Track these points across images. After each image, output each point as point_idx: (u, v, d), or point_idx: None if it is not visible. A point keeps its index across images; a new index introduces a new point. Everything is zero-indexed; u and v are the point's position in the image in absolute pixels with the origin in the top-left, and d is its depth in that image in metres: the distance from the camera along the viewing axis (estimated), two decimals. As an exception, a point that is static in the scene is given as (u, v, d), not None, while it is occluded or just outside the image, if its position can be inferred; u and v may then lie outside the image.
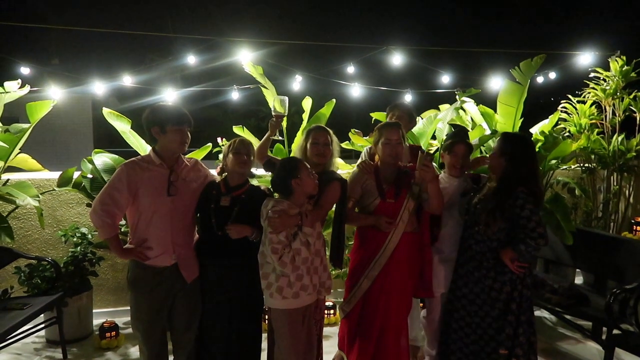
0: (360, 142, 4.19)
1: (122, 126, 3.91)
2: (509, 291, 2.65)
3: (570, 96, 5.25)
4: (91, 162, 3.70)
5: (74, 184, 3.77)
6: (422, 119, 4.54)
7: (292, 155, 3.06)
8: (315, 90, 5.13)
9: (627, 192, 5.39)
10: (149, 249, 2.52)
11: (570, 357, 3.56)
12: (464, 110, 4.70)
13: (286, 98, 2.95)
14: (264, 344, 2.81)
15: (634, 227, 4.96)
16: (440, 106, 4.99)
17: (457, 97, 4.84)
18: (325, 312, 3.79)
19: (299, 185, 2.43)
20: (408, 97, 5.71)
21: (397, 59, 5.25)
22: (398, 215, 2.77)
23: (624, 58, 5.05)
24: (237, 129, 4.21)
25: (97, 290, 4.12)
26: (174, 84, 5.47)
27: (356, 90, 5.50)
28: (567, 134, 5.14)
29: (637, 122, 5.18)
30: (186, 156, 2.76)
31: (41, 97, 4.14)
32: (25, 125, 3.81)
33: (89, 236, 3.82)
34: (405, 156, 3.01)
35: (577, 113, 5.15)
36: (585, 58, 5.28)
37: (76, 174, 3.83)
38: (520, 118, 4.26)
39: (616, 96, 5.07)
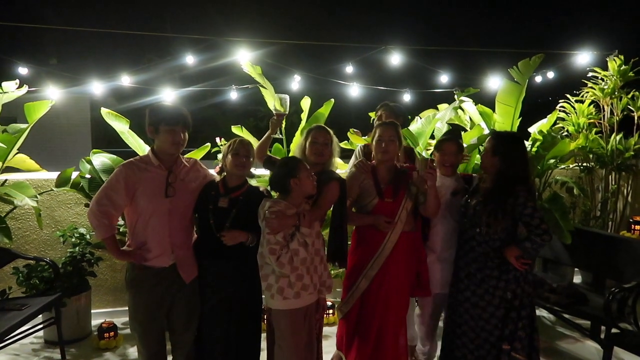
0: (359, 142, 4.19)
1: (121, 126, 3.91)
2: (513, 289, 2.67)
3: (568, 95, 5.25)
4: (89, 162, 3.69)
5: (72, 184, 3.77)
6: (420, 118, 4.55)
7: (291, 155, 3.06)
8: (314, 90, 5.14)
9: (625, 191, 5.40)
10: (148, 251, 2.51)
11: (569, 356, 3.57)
12: (463, 110, 4.70)
13: (287, 96, 2.94)
14: (263, 344, 2.81)
15: (632, 226, 4.97)
16: (439, 106, 4.99)
17: (455, 96, 4.84)
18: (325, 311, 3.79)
19: (298, 185, 2.43)
20: (407, 97, 5.72)
21: (395, 59, 5.25)
22: (396, 215, 2.78)
23: (622, 57, 5.06)
24: (235, 129, 4.20)
25: (96, 290, 4.11)
26: (173, 84, 5.47)
27: (355, 90, 5.50)
28: (566, 133, 5.14)
29: (635, 121, 5.18)
30: (185, 156, 2.75)
31: (39, 97, 4.13)
32: (23, 126, 3.80)
33: (88, 236, 3.81)
34: (401, 157, 3.03)
35: (576, 112, 5.15)
36: (583, 57, 5.29)
37: (74, 174, 3.82)
38: (519, 117, 4.27)
39: (614, 95, 5.08)
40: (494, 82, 5.07)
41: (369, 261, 2.79)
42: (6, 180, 3.84)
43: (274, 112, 2.91)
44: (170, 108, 2.58)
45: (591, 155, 5.21)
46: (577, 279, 5.17)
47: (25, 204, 3.48)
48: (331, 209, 2.79)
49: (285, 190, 2.47)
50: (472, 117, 4.66)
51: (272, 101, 3.25)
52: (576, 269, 5.04)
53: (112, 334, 3.64)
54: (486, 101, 4.62)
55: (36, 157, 4.24)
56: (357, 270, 2.83)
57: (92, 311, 3.94)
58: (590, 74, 5.22)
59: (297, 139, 3.93)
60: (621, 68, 5.00)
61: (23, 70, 4.94)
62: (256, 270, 2.51)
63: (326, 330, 3.66)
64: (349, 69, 5.44)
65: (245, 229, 2.57)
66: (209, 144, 4.13)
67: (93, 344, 3.66)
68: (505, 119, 4.28)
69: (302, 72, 5.40)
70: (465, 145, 4.10)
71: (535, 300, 3.46)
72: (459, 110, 4.66)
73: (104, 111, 3.92)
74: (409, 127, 4.07)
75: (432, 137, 4.29)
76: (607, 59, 5.17)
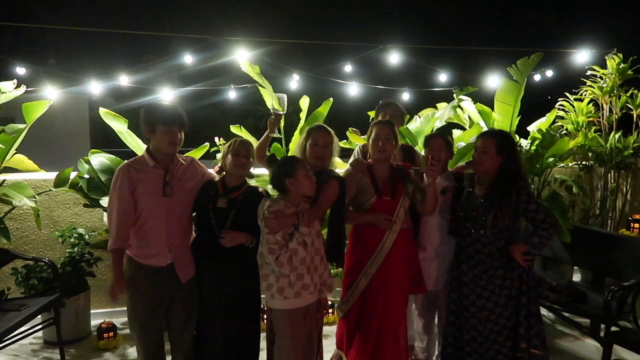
0: (358, 141, 4.18)
1: (119, 126, 3.89)
2: (518, 286, 2.68)
3: (567, 94, 5.25)
4: (88, 162, 3.68)
5: (70, 185, 3.76)
6: (419, 117, 4.54)
7: (290, 154, 3.06)
8: (313, 89, 5.13)
9: (624, 189, 5.40)
10: (145, 249, 2.53)
11: (569, 355, 3.57)
12: (462, 109, 4.70)
13: (285, 96, 2.94)
14: (263, 344, 2.80)
15: (632, 224, 4.96)
16: (438, 104, 4.99)
17: (454, 95, 4.83)
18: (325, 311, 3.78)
19: (294, 185, 2.42)
20: (405, 96, 5.72)
21: (394, 58, 5.24)
22: (394, 213, 2.78)
23: (621, 56, 5.05)
24: (234, 129, 4.19)
25: (95, 290, 4.10)
26: (171, 83, 5.46)
27: (354, 89, 5.50)
28: (565, 131, 5.14)
29: (634, 119, 5.18)
30: (183, 156, 2.75)
31: (37, 97, 4.13)
32: (21, 126, 3.79)
33: (86, 237, 3.80)
34: (397, 156, 3.02)
35: (575, 111, 5.15)
36: (582, 56, 5.29)
37: (73, 175, 3.82)
38: (518, 116, 4.26)
39: (613, 94, 5.07)
40: (493, 80, 5.07)
41: (368, 259, 2.80)
42: (4, 180, 3.83)
43: (272, 111, 2.91)
44: (166, 107, 2.57)
45: (590, 154, 5.20)
46: (576, 277, 5.18)
47: (24, 204, 3.48)
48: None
49: (282, 190, 2.47)
50: (471, 116, 4.66)
51: (271, 100, 3.24)
52: (575, 268, 5.05)
53: (111, 334, 3.63)
54: (485, 100, 4.61)
55: (35, 158, 4.23)
56: (357, 269, 2.83)
57: (91, 311, 3.94)
58: (589, 73, 5.22)
59: (296, 138, 3.92)
60: (620, 66, 4.99)
61: (21, 70, 4.92)
62: (256, 270, 2.50)
63: (326, 329, 3.65)
64: (348, 68, 5.43)
65: (244, 230, 2.56)
66: (207, 144, 4.12)
67: (92, 344, 3.65)
68: (504, 117, 4.28)
69: (301, 71, 5.39)
70: (464, 143, 4.10)
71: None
72: (458, 109, 4.65)
73: (102, 111, 3.91)
74: (408, 126, 4.06)
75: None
76: (606, 57, 5.16)
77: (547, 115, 4.64)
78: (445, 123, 4.50)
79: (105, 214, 3.60)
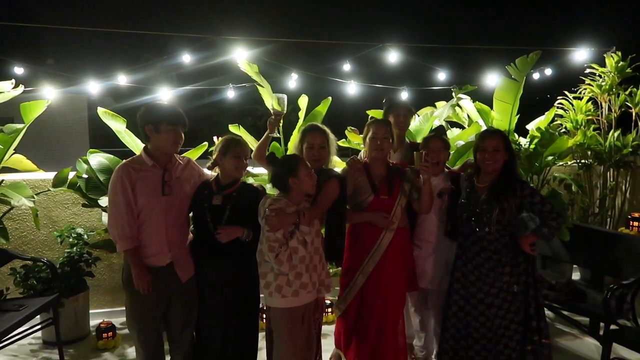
0: (357, 140, 4.18)
1: (118, 126, 3.89)
2: (525, 280, 2.72)
3: (566, 92, 5.25)
4: (86, 162, 3.68)
5: (69, 184, 3.75)
6: (418, 116, 4.54)
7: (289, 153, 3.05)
8: (312, 88, 5.13)
9: (623, 187, 5.40)
10: (144, 249, 2.52)
11: (568, 353, 3.57)
12: (460, 107, 4.70)
13: (285, 96, 2.93)
14: (262, 343, 2.80)
15: (631, 222, 4.96)
16: (437, 103, 4.99)
17: (453, 94, 4.84)
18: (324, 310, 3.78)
19: (296, 184, 2.43)
20: (404, 94, 5.71)
21: (393, 56, 5.24)
22: (391, 212, 2.79)
23: (620, 54, 5.06)
24: (233, 128, 4.19)
25: (94, 290, 4.10)
26: (170, 82, 5.45)
27: (352, 88, 5.49)
28: (564, 130, 5.15)
29: (633, 117, 5.18)
30: (181, 155, 2.75)
31: (36, 97, 4.11)
32: (20, 126, 3.78)
33: (85, 236, 3.80)
34: (404, 153, 3.02)
35: (574, 109, 5.15)
36: (580, 54, 5.29)
37: (71, 174, 3.81)
38: (517, 115, 4.26)
39: (612, 92, 5.07)
40: (492, 79, 5.07)
41: (365, 258, 2.80)
42: (2, 180, 3.82)
43: (272, 111, 2.90)
44: (170, 107, 2.60)
45: (589, 152, 5.20)
46: (575, 275, 5.18)
47: (22, 204, 3.47)
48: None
49: (284, 189, 2.47)
50: (470, 115, 4.66)
51: (270, 100, 3.24)
52: (575, 266, 5.04)
53: (110, 334, 3.63)
54: (484, 98, 4.62)
55: (33, 157, 4.23)
56: (354, 267, 2.84)
57: (91, 311, 3.93)
58: (588, 71, 5.22)
59: (295, 137, 3.92)
60: (619, 64, 4.99)
61: (19, 70, 4.92)
62: (255, 268, 2.50)
63: (325, 328, 3.65)
64: (347, 66, 5.43)
65: (240, 225, 2.57)
66: (206, 143, 4.11)
67: (91, 344, 3.65)
68: (503, 116, 4.28)
69: (300, 70, 5.39)
70: (462, 142, 4.10)
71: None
72: (457, 108, 4.65)
73: (100, 110, 3.91)
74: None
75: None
76: (605, 56, 5.16)
77: (546, 113, 4.64)
78: (442, 123, 4.50)
79: (104, 214, 3.60)
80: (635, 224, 4.91)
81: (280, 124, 3.66)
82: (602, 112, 5.23)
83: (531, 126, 4.62)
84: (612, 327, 3.06)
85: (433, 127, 4.43)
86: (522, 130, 4.67)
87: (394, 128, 3.24)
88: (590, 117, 5.17)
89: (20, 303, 3.19)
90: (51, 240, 4.07)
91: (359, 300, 2.83)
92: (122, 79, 5.06)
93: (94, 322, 3.88)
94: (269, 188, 2.73)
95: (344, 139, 4.30)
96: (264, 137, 2.90)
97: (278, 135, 3.11)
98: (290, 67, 5.39)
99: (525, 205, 2.70)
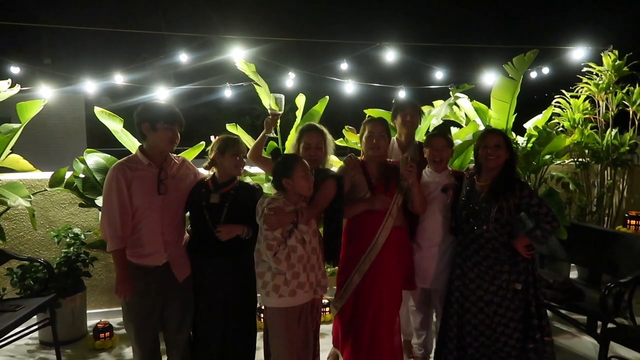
0: (355, 139, 4.18)
1: (114, 125, 3.88)
2: (524, 279, 2.73)
3: (563, 91, 5.26)
4: (83, 161, 3.67)
5: (66, 184, 3.74)
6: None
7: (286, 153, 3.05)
8: (309, 88, 5.12)
9: (621, 186, 5.41)
10: (141, 248, 2.51)
11: (566, 352, 3.57)
12: (458, 106, 4.70)
13: (282, 96, 2.93)
14: (260, 343, 2.80)
15: (628, 221, 4.97)
16: (434, 102, 4.98)
17: (450, 93, 4.84)
18: (322, 309, 3.78)
19: (290, 185, 2.43)
20: (402, 93, 5.72)
21: (390, 55, 5.24)
22: (388, 210, 2.79)
23: (617, 52, 5.06)
24: (230, 127, 4.18)
25: (91, 290, 4.09)
26: (167, 82, 5.45)
27: (350, 87, 5.49)
28: (561, 128, 5.15)
29: (630, 116, 5.19)
30: (178, 155, 2.74)
31: (33, 96, 4.10)
32: (16, 125, 3.77)
33: (82, 236, 3.79)
34: (413, 153, 3.03)
35: (571, 108, 5.15)
36: (578, 53, 5.29)
37: (68, 174, 3.80)
38: (514, 113, 4.27)
39: (609, 91, 5.08)
40: (489, 78, 5.07)
41: (361, 256, 2.81)
42: (-1, 180, 3.82)
43: (269, 111, 2.90)
44: (167, 106, 2.59)
45: (587, 151, 5.21)
46: (573, 274, 5.18)
47: (19, 204, 3.45)
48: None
49: (280, 189, 2.47)
50: (467, 114, 4.66)
51: (267, 99, 3.23)
52: (572, 265, 5.05)
53: (107, 334, 3.62)
54: (481, 97, 4.62)
55: (30, 157, 4.21)
56: (350, 266, 2.84)
57: (88, 311, 3.92)
58: (585, 70, 5.22)
59: (292, 136, 3.92)
60: (616, 63, 5.00)
61: (16, 70, 4.90)
62: (252, 268, 2.50)
63: (323, 327, 3.65)
64: (344, 66, 5.43)
65: (239, 223, 2.57)
66: (203, 143, 4.11)
67: (89, 345, 3.64)
68: (500, 115, 4.28)
69: (297, 69, 5.39)
70: (460, 141, 4.10)
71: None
72: (454, 107, 4.66)
73: (97, 110, 3.90)
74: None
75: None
76: (602, 54, 5.17)
77: (543, 112, 4.64)
78: (442, 121, 4.50)
79: (101, 214, 3.59)
80: (633, 222, 4.92)
81: (278, 123, 3.67)
82: (599, 111, 5.23)
83: (529, 125, 4.63)
84: (610, 325, 3.06)
85: (436, 126, 4.44)
86: (519, 129, 4.67)
87: (402, 128, 3.25)
88: (587, 116, 5.18)
89: (17, 303, 3.18)
90: (48, 241, 4.06)
91: (354, 299, 2.83)
92: (119, 79, 5.05)
93: (91, 322, 3.87)
94: (266, 187, 2.73)
95: (341, 138, 4.29)
96: (260, 136, 2.90)
97: (275, 135, 3.10)
98: (288, 67, 5.39)
99: (523, 206, 2.71)
